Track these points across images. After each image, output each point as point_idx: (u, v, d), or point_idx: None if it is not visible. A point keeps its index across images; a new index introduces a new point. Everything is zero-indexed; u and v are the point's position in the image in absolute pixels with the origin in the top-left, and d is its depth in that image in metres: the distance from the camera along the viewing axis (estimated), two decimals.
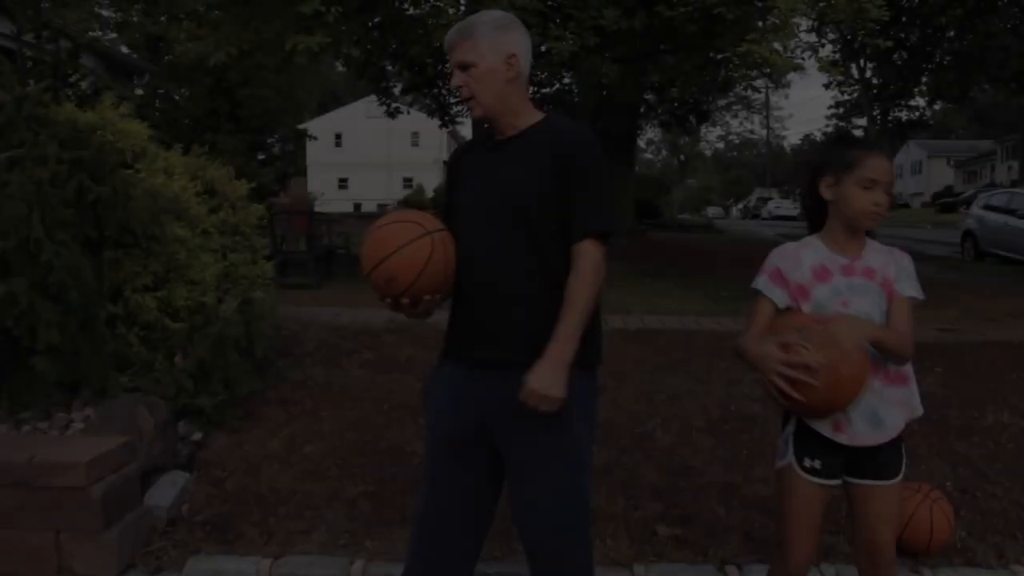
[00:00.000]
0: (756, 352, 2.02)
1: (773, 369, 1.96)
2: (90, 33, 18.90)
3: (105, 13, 25.25)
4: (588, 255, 1.95)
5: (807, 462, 2.10)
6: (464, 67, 2.02)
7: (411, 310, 1.99)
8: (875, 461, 2.09)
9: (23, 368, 3.55)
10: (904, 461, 2.14)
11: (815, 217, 2.20)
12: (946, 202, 32.69)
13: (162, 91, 21.37)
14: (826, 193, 2.12)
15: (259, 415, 4.06)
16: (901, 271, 2.12)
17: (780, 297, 2.11)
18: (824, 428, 2.06)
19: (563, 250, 1.98)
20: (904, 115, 31.84)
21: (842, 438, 2.06)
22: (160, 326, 4.27)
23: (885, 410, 2.06)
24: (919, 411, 2.14)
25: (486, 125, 2.12)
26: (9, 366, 3.59)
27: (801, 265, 2.12)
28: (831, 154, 2.16)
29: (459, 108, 15.68)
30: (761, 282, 2.13)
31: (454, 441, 2.06)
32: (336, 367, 4.73)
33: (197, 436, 3.80)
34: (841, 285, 2.09)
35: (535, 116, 2.08)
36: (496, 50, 2.01)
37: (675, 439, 3.87)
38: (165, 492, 3.37)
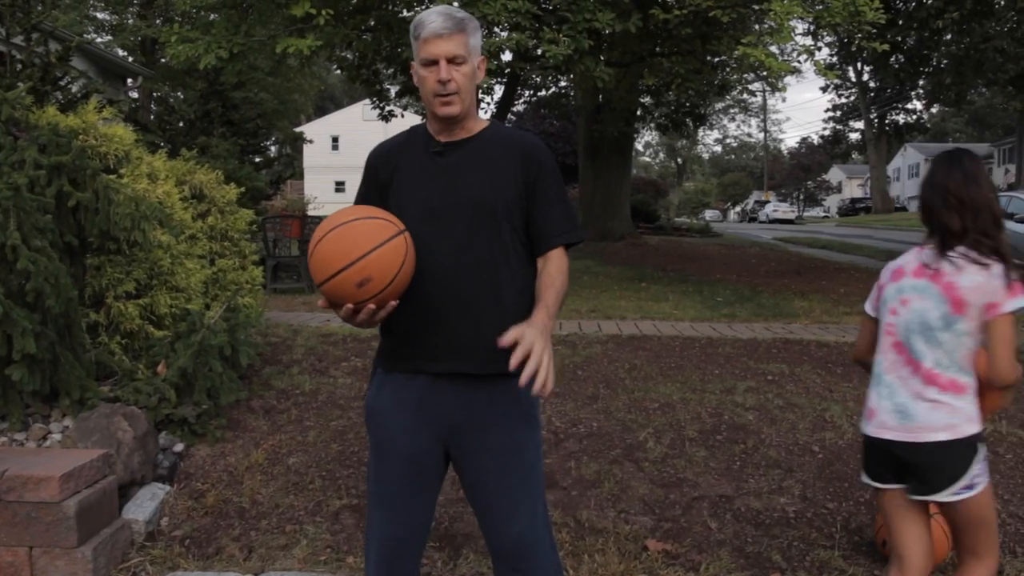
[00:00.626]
0: None
1: None
2: (84, 36, 18.85)
3: (100, 16, 25.22)
4: (560, 258, 1.96)
5: None
6: (454, 61, 1.90)
7: (368, 319, 1.79)
8: None
9: None
10: None
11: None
12: None
13: (157, 94, 21.33)
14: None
15: (243, 425, 3.98)
16: None
17: None
18: None
19: (527, 259, 1.97)
20: (901, 118, 31.91)
21: None
22: (143, 334, 4.20)
23: None
24: None
25: (428, 124, 2.02)
26: None
27: None
28: None
29: None
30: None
31: (414, 458, 1.97)
32: (323, 375, 4.65)
33: (179, 447, 3.72)
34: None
35: (482, 121, 2.03)
36: (477, 51, 1.96)
37: (667, 450, 3.79)
38: (143, 506, 3.29)
